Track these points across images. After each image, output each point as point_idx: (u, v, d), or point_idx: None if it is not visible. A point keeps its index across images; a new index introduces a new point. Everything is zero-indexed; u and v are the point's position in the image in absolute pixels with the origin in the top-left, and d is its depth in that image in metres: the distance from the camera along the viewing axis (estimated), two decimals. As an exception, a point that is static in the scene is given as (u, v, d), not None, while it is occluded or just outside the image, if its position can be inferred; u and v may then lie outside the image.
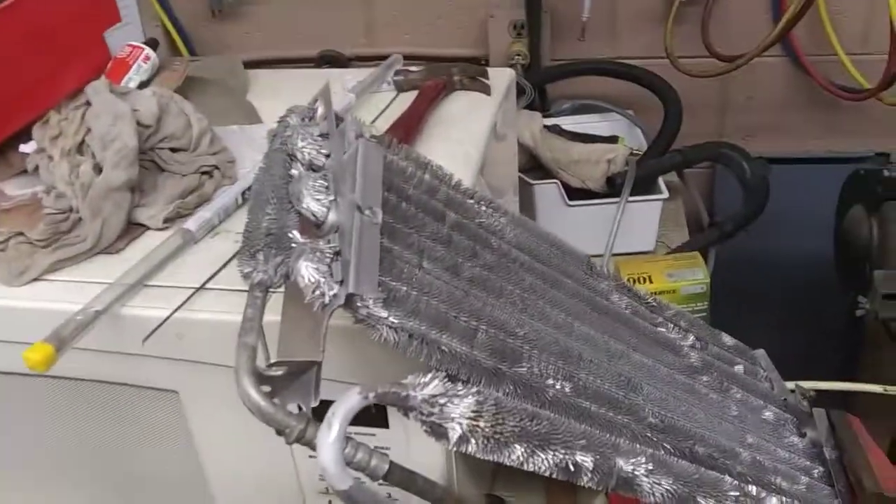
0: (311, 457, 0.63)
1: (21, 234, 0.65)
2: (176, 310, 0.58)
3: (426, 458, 0.62)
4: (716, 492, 0.54)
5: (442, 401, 0.37)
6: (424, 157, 0.64)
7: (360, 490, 0.33)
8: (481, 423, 0.38)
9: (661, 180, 1.23)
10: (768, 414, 0.76)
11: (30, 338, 0.54)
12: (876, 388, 0.98)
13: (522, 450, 0.40)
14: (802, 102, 1.47)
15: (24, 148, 0.75)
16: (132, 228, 0.69)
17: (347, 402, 0.33)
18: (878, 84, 1.29)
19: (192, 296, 0.60)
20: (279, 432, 0.39)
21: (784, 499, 0.62)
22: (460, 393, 0.38)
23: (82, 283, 0.62)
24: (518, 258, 0.62)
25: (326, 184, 0.49)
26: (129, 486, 0.71)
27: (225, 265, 0.63)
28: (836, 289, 1.33)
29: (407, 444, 0.62)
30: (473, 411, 0.38)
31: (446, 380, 0.38)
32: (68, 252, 0.64)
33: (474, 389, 0.39)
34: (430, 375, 0.38)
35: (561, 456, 0.42)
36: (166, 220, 0.69)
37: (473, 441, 0.39)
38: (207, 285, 0.61)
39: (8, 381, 0.66)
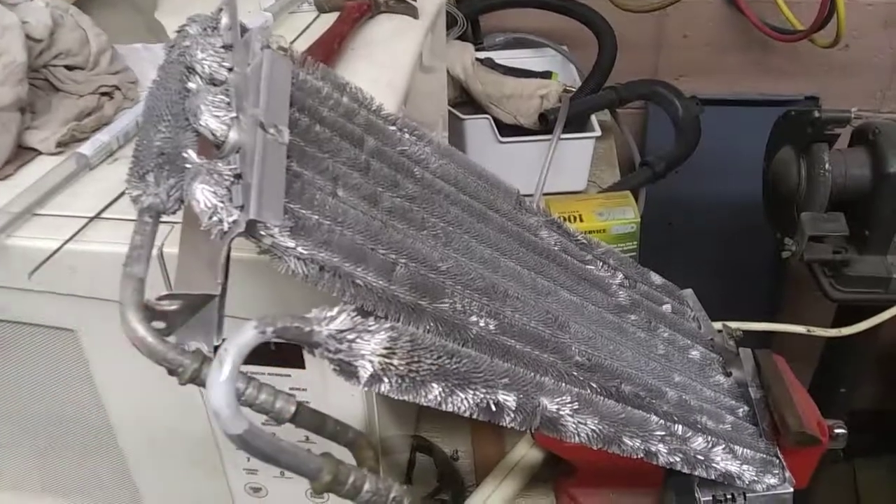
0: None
1: None
2: (68, 240, 0.53)
3: (345, 399, 0.59)
4: (642, 431, 0.53)
5: (350, 336, 0.34)
6: (343, 79, 0.59)
7: (256, 435, 0.29)
8: (395, 361, 0.35)
9: (594, 118, 1.20)
10: (695, 353, 0.75)
11: None
12: (800, 329, 0.99)
13: (440, 389, 0.37)
14: (736, 42, 1.46)
15: None
16: (22, 153, 0.63)
17: (241, 338, 0.30)
18: (811, 26, 1.28)
19: (85, 225, 0.54)
20: (171, 372, 0.35)
21: (709, 438, 0.61)
22: (371, 328, 0.35)
23: (-38, 210, 0.56)
24: (443, 189, 0.59)
25: (227, 99, 0.44)
26: (34, 427, 0.67)
27: (123, 193, 0.58)
28: (762, 231, 1.34)
29: (324, 385, 0.58)
30: (386, 348, 0.35)
31: (356, 314, 0.34)
32: (-54, 176, 0.57)
33: (387, 325, 0.35)
34: (336, 309, 0.34)
35: (482, 395, 0.39)
36: (60, 144, 0.63)
37: (387, 380, 0.35)
38: (104, 214, 0.56)
39: None
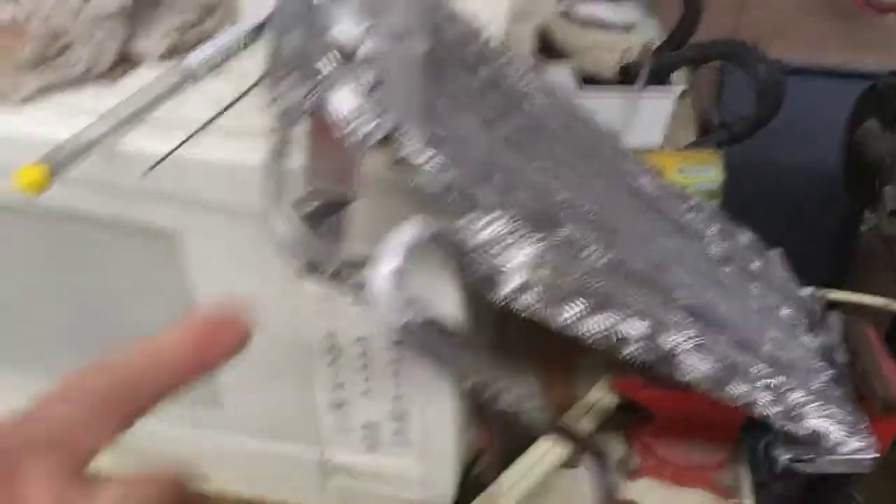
0: (320, 312, 0.60)
1: (3, 56, 0.59)
2: (179, 145, 0.53)
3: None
4: (748, 378, 0.52)
5: (503, 245, 0.33)
6: (452, 6, 0.58)
7: (418, 327, 0.29)
8: (541, 273, 0.34)
9: (675, 75, 1.18)
10: (784, 312, 0.73)
11: (13, 167, 0.48)
12: (884, 302, 0.97)
13: (580, 308, 0.37)
14: (823, 10, 1.41)
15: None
16: (127, 60, 0.63)
17: (406, 235, 0.29)
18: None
19: (196, 132, 0.54)
20: (310, 269, 0.35)
21: (805, 393, 0.60)
22: (523, 238, 0.34)
23: (75, 113, 0.56)
24: (549, 126, 0.58)
25: (361, 8, 0.43)
26: (112, 330, 0.67)
27: (231, 105, 0.57)
28: (833, 203, 1.31)
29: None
30: (535, 258, 0.34)
31: (507, 223, 0.34)
32: (59, 75, 0.57)
33: (539, 235, 0.34)
34: (491, 216, 0.33)
35: (614, 320, 0.38)
36: (164, 55, 0.63)
37: (532, 291, 0.35)
38: (214, 123, 0.55)
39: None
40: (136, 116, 0.56)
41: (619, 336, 0.40)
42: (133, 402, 0.28)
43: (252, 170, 0.52)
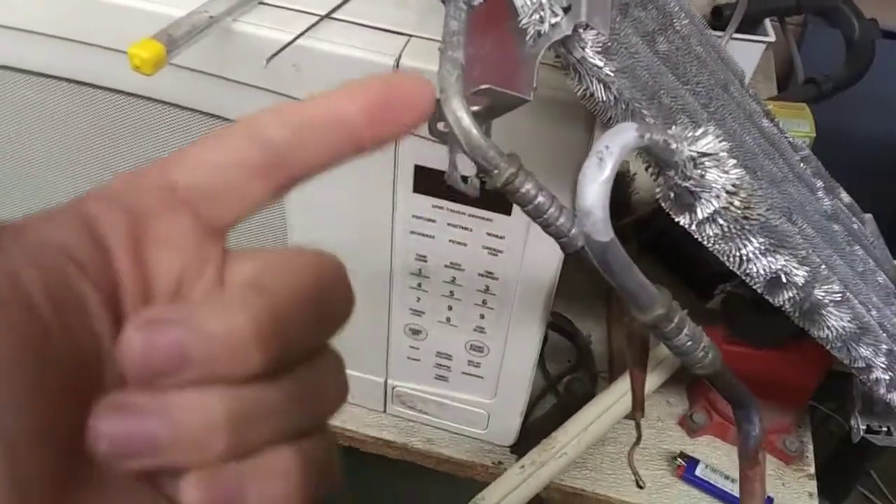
0: (413, 233, 0.58)
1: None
2: (303, 32, 0.49)
3: (542, 255, 0.56)
4: (877, 341, 0.49)
5: (709, 164, 0.30)
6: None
7: (617, 247, 0.26)
8: (735, 202, 0.32)
9: (767, 23, 1.12)
10: (881, 278, 0.71)
11: (124, 44, 0.45)
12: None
13: (758, 244, 0.34)
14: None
15: None
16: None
17: (623, 138, 0.26)
18: None
19: (319, 21, 0.51)
20: (483, 173, 0.32)
21: (909, 365, 0.58)
22: (728, 160, 0.31)
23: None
24: (694, 49, 0.54)
25: None
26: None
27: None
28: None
29: (525, 236, 0.55)
30: (734, 185, 0.31)
31: (721, 139, 0.31)
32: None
33: (734, 160, 0.32)
34: (702, 129, 0.30)
35: (783, 263, 0.36)
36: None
37: (720, 222, 0.32)
38: (333, 15, 0.52)
39: (87, 95, 0.58)
40: (254, -2, 0.53)
41: (784, 280, 0.37)
42: (299, 161, 0.23)
43: (376, 68, 0.49)
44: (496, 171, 0.32)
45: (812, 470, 0.74)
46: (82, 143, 0.61)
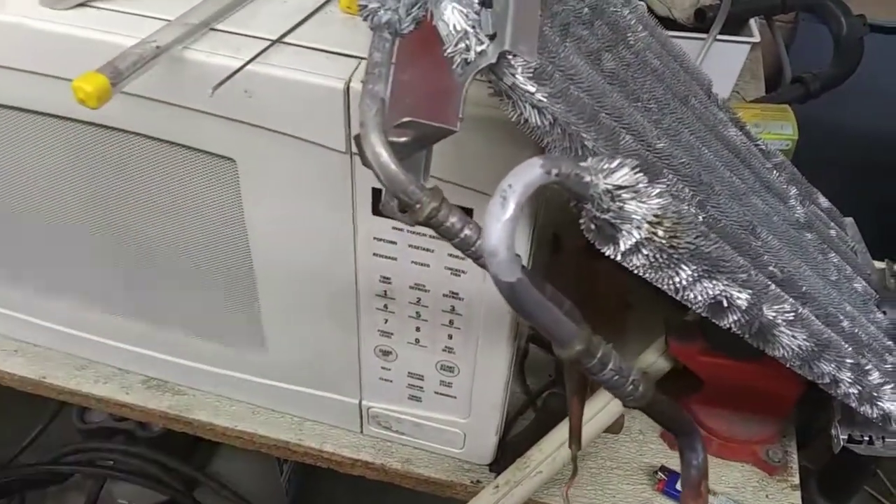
0: (375, 255, 0.58)
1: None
2: (253, 58, 0.49)
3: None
4: (837, 356, 0.48)
5: (626, 195, 0.30)
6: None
7: (526, 287, 0.26)
8: (659, 232, 0.31)
9: (752, 23, 1.11)
10: (858, 286, 0.70)
11: (75, 73, 0.45)
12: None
13: (689, 273, 0.33)
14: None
15: None
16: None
17: (527, 176, 0.26)
18: None
19: (269, 46, 0.50)
20: (403, 208, 0.32)
21: (882, 374, 0.57)
22: (647, 190, 0.31)
23: (139, 17, 0.53)
24: (650, 63, 0.53)
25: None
26: (162, 256, 0.65)
27: (307, 17, 0.53)
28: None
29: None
30: (655, 216, 0.31)
31: (637, 170, 0.30)
32: (123, -25, 0.54)
33: (658, 189, 0.31)
34: (617, 161, 0.30)
35: (721, 288, 0.35)
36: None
37: (644, 252, 0.31)
38: (285, 40, 0.52)
39: (46, 124, 0.58)
40: (206, 25, 0.52)
41: (725, 305, 0.36)
42: None
43: (327, 91, 0.49)
44: (418, 206, 0.31)
45: (796, 481, 0.73)
46: (42, 172, 0.62)
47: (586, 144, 0.38)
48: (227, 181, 0.57)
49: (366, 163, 0.35)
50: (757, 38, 1.08)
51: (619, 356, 0.30)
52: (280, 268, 0.61)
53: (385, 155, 0.30)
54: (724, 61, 1.09)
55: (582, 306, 0.33)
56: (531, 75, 0.36)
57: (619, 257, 0.31)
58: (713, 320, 0.39)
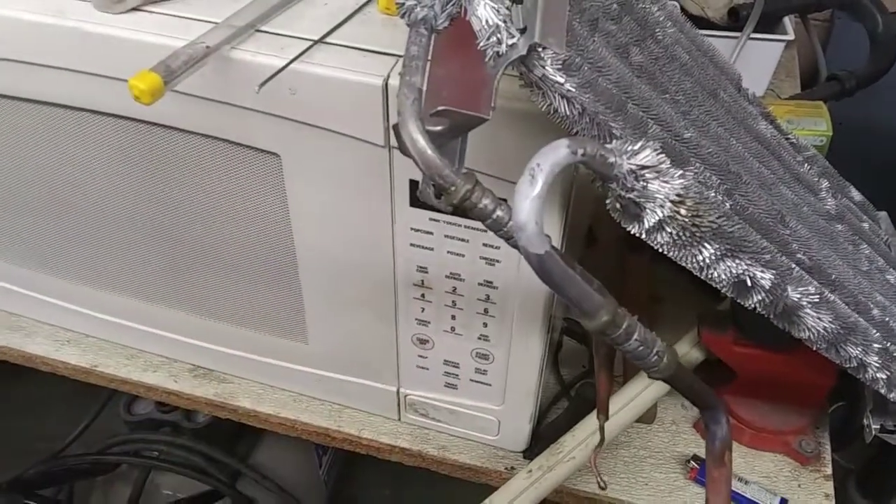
0: (413, 245, 0.60)
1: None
2: (296, 58, 0.52)
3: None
4: (865, 340, 0.49)
5: (650, 175, 0.32)
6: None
7: (554, 259, 0.28)
8: (682, 210, 0.33)
9: (787, 21, 1.11)
10: (890, 277, 0.70)
11: (130, 73, 0.48)
12: None
13: (712, 251, 0.35)
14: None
15: None
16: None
17: (555, 156, 0.27)
18: None
19: (312, 46, 0.53)
20: (440, 191, 0.34)
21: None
22: (670, 170, 0.32)
23: (188, 20, 0.56)
24: (679, 57, 0.55)
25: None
26: (208, 249, 0.68)
27: (348, 18, 0.56)
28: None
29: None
30: (678, 195, 0.32)
31: (660, 151, 0.32)
32: (175, -20, 0.57)
33: (681, 171, 0.33)
34: (640, 143, 0.32)
35: (744, 267, 0.37)
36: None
37: (668, 230, 0.33)
38: (326, 40, 0.54)
39: (102, 123, 0.61)
40: (252, 26, 0.55)
41: (749, 284, 0.38)
42: None
43: (367, 88, 0.51)
44: (453, 189, 0.33)
45: (829, 471, 0.73)
46: (96, 167, 0.65)
47: (614, 133, 0.39)
48: (271, 175, 0.60)
49: (404, 150, 0.37)
50: (791, 36, 1.08)
51: (644, 328, 0.32)
52: (321, 258, 0.64)
53: (422, 141, 0.33)
54: (759, 59, 1.10)
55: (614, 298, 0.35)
56: (560, 66, 0.38)
57: (643, 235, 0.33)
58: (738, 300, 0.40)
